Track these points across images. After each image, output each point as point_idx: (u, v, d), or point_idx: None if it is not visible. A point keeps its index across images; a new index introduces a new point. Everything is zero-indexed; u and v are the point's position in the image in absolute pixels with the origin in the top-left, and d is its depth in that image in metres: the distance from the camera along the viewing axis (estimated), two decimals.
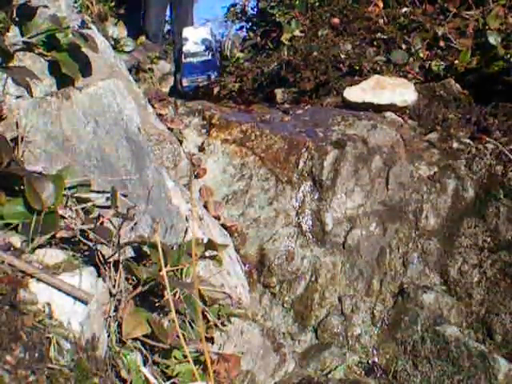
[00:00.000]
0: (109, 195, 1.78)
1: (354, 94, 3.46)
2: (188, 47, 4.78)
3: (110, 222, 1.79)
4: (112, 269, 1.71)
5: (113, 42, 3.19)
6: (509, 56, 3.40)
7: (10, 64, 1.85)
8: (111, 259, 1.70)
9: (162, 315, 1.81)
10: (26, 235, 1.55)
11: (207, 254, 2.15)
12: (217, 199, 2.86)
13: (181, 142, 2.91)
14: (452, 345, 2.47)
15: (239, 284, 2.52)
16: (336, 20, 4.78)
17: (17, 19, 1.94)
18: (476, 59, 3.65)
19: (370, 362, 2.62)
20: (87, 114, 1.94)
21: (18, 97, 1.86)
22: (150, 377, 1.61)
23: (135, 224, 1.88)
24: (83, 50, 2.00)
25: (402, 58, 3.93)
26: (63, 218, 1.67)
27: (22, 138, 1.77)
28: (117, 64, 2.42)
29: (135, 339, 1.68)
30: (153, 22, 5.26)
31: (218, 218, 2.77)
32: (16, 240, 1.55)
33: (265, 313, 2.70)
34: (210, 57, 4.87)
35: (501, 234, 2.68)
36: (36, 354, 1.28)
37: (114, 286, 1.70)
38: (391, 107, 3.36)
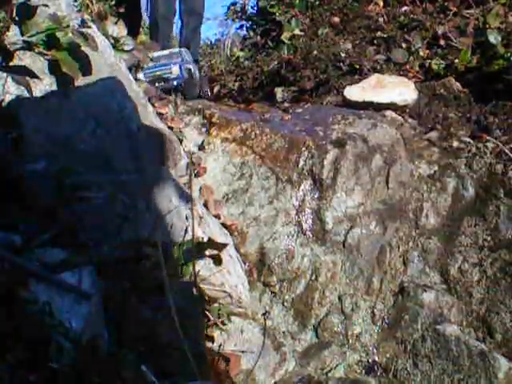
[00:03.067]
0: (109, 194, 1.78)
1: (354, 92, 3.46)
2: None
3: (110, 220, 1.80)
4: (112, 268, 1.71)
5: (113, 41, 3.18)
6: (509, 55, 3.40)
7: (10, 63, 1.84)
8: (111, 258, 1.70)
9: (162, 314, 1.81)
10: (27, 234, 1.55)
11: (207, 252, 2.15)
12: (217, 198, 2.86)
13: (181, 141, 2.91)
14: (452, 344, 2.47)
15: (239, 283, 2.52)
16: (336, 19, 4.78)
17: (17, 18, 1.93)
18: (476, 58, 3.65)
19: (370, 360, 2.62)
20: (87, 113, 1.94)
21: (18, 96, 1.86)
22: (150, 376, 1.62)
23: (135, 223, 1.89)
24: (83, 49, 1.99)
25: (402, 56, 3.93)
26: (63, 217, 1.67)
27: (23, 138, 1.77)
28: (117, 63, 2.42)
29: (135, 339, 1.68)
30: (160, 3, 5.10)
31: (218, 216, 2.77)
32: (16, 239, 1.55)
33: (265, 312, 2.70)
34: (176, 50, 4.52)
35: (501, 232, 2.69)
36: (36, 354, 1.28)
37: (114, 286, 1.70)
38: (391, 106, 3.36)
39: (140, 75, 3.89)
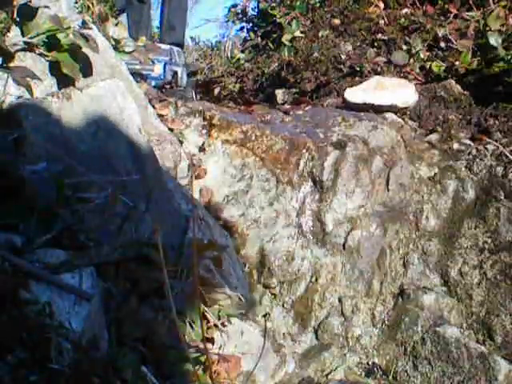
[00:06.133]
0: (109, 195, 1.78)
1: (355, 94, 3.46)
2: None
3: (111, 221, 1.79)
4: (112, 269, 1.71)
5: (113, 43, 3.16)
6: (509, 57, 3.40)
7: (11, 64, 1.85)
8: (112, 259, 1.70)
9: (162, 315, 1.81)
10: (27, 235, 1.55)
11: (207, 254, 2.15)
12: (217, 200, 2.86)
13: (181, 143, 2.91)
14: (452, 346, 2.47)
15: (239, 284, 2.52)
16: (336, 21, 4.79)
17: (18, 19, 1.94)
18: (477, 60, 3.65)
19: (370, 362, 2.62)
20: (88, 115, 1.94)
21: (18, 97, 1.86)
22: (151, 377, 1.61)
23: (136, 224, 1.89)
24: (84, 50, 1.99)
25: (402, 58, 3.93)
26: (64, 217, 1.67)
27: (23, 138, 1.77)
28: (117, 64, 2.42)
29: (135, 339, 1.68)
30: None
31: (218, 218, 2.77)
32: (17, 240, 1.55)
33: (265, 313, 2.70)
34: (167, 47, 3.97)
35: (501, 235, 2.68)
36: (36, 355, 1.28)
37: (114, 286, 1.70)
38: (392, 108, 3.36)
39: None
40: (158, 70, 3.73)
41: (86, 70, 2.03)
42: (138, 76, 3.44)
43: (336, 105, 3.67)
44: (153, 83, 3.61)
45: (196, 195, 2.80)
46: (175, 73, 3.93)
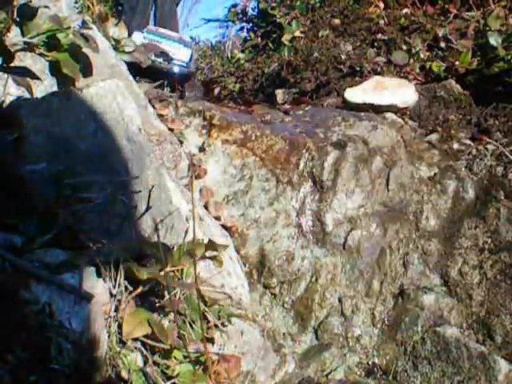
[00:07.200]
0: (109, 195, 1.78)
1: (355, 94, 3.46)
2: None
3: (111, 221, 1.79)
4: (112, 269, 1.71)
5: (113, 43, 3.14)
6: (509, 57, 3.40)
7: (11, 64, 1.85)
8: (112, 259, 1.70)
9: (162, 315, 1.81)
10: (27, 235, 1.55)
11: (207, 254, 2.15)
12: (217, 200, 2.86)
13: (181, 143, 2.91)
14: (452, 346, 2.47)
15: (239, 284, 2.52)
16: (336, 21, 4.79)
17: (18, 19, 1.94)
18: (477, 60, 3.65)
19: (370, 362, 2.62)
20: (88, 115, 1.94)
21: (18, 97, 1.86)
22: (151, 377, 1.61)
23: (136, 224, 1.89)
24: (84, 50, 2.00)
25: (402, 58, 3.93)
26: (64, 217, 1.67)
27: (23, 138, 1.77)
28: (117, 64, 2.42)
29: (135, 339, 1.68)
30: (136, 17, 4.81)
31: (218, 218, 2.77)
32: (17, 240, 1.55)
33: (265, 313, 2.70)
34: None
35: (501, 235, 2.68)
36: (36, 355, 1.28)
37: (114, 286, 1.70)
38: (392, 108, 3.36)
39: (137, 35, 3.11)
40: (184, 55, 3.38)
41: (86, 70, 2.03)
42: (160, 57, 3.10)
43: (336, 105, 3.67)
44: (175, 69, 3.24)
45: (196, 195, 2.80)
46: (197, 67, 3.65)
